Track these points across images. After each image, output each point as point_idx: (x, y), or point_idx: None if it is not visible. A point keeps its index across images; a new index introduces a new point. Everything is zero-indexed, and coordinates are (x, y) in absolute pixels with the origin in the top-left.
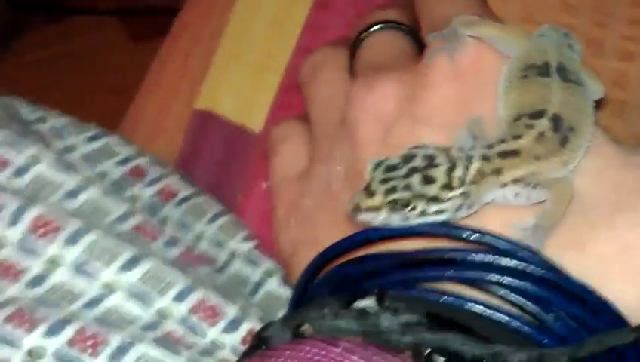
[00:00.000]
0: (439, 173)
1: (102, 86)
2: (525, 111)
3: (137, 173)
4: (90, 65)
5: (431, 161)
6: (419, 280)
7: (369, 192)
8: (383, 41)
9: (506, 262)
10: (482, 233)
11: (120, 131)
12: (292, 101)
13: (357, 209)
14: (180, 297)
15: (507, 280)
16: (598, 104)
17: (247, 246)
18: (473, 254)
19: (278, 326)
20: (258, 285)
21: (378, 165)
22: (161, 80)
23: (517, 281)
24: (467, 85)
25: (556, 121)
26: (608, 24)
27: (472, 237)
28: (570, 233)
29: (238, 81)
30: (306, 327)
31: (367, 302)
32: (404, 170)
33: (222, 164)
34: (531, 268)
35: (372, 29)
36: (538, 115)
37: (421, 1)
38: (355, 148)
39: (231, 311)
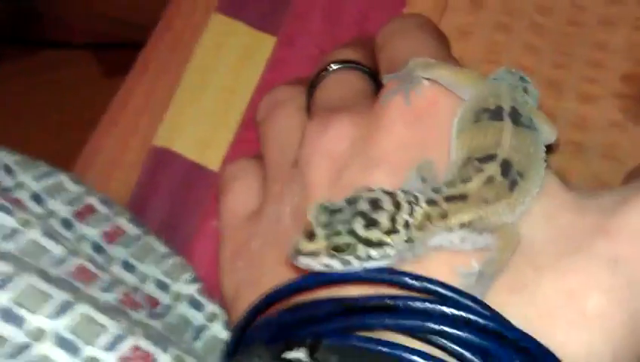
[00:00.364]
0: (383, 217)
1: (72, 119)
2: (476, 155)
3: (87, 212)
4: (61, 98)
5: (376, 205)
6: (358, 328)
7: (310, 235)
8: (340, 81)
9: (446, 310)
10: (424, 279)
11: (76, 166)
12: (252, 138)
13: (297, 252)
14: (110, 346)
15: (446, 329)
16: (554, 147)
17: (193, 288)
18: (413, 301)
19: None
20: (202, 328)
21: (322, 208)
22: (121, 116)
23: (457, 330)
24: (421, 128)
25: (506, 166)
26: (568, 66)
27: (413, 284)
28: (515, 278)
29: (197, 119)
30: None
31: (299, 354)
32: (347, 214)
33: (177, 201)
34: (472, 316)
35: (331, 69)
36: (488, 158)
37: (381, 42)
38: (306, 189)
39: (164, 360)
